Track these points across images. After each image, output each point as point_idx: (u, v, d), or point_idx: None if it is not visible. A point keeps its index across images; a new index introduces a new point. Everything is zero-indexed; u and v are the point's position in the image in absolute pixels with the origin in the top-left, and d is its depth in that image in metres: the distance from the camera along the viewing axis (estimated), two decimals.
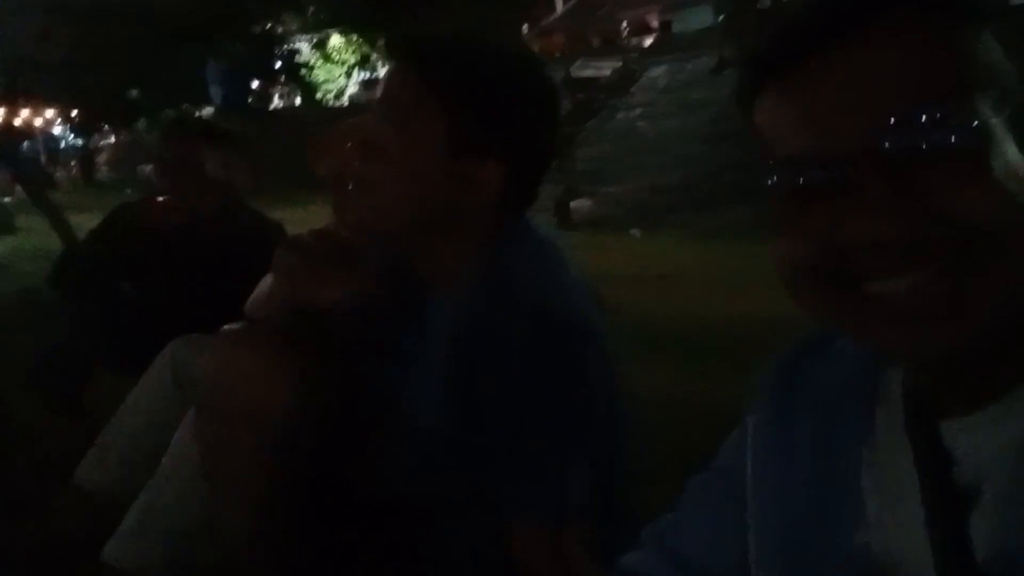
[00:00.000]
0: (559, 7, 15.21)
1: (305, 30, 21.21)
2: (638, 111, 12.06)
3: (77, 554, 1.77)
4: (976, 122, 0.57)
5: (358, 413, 1.34)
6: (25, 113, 20.54)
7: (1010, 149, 0.58)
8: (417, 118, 1.20)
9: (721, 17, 14.41)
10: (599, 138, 11.52)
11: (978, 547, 0.61)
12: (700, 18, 15.86)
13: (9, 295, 4.79)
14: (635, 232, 8.85)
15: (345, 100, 21.69)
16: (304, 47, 21.57)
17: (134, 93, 18.67)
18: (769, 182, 0.63)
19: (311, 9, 20.62)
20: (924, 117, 0.57)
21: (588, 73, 13.53)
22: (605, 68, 13.37)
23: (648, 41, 16.41)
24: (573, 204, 9.76)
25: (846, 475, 0.71)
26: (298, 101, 22.13)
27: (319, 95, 21.75)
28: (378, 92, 1.26)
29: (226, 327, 1.55)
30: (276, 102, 22.99)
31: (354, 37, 21.45)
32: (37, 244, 5.72)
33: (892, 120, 0.57)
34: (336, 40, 21.58)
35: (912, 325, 0.59)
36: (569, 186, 9.80)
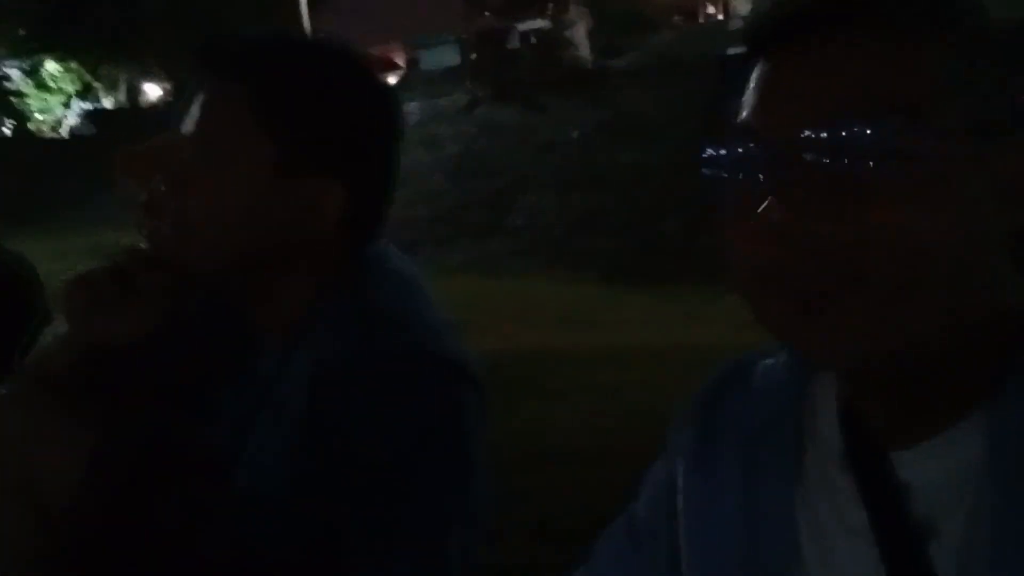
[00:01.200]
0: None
1: (15, 55, 19.65)
2: None
3: None
4: (905, 139, 0.56)
5: (164, 477, 1.16)
6: None
7: (946, 170, 0.57)
8: (234, 137, 1.05)
9: (473, 56, 14.92)
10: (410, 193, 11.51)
11: None
12: (447, 57, 16.38)
13: None
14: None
15: (64, 131, 20.29)
16: (14, 73, 19.92)
17: None
18: (718, 156, 0.64)
19: (19, 31, 19.12)
20: (852, 127, 0.57)
21: None
22: None
23: (393, 78, 16.66)
24: None
25: (778, 515, 0.69)
26: (7, 131, 20.28)
27: (32, 125, 20.14)
28: (188, 110, 1.09)
29: (10, 381, 1.35)
30: None
31: (72, 64, 20.15)
32: None
33: (823, 122, 0.57)
34: (52, 67, 20.15)
35: (815, 328, 0.59)
36: None
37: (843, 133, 0.58)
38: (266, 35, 1.13)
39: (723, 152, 0.63)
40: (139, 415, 1.18)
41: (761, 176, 0.60)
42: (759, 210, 0.59)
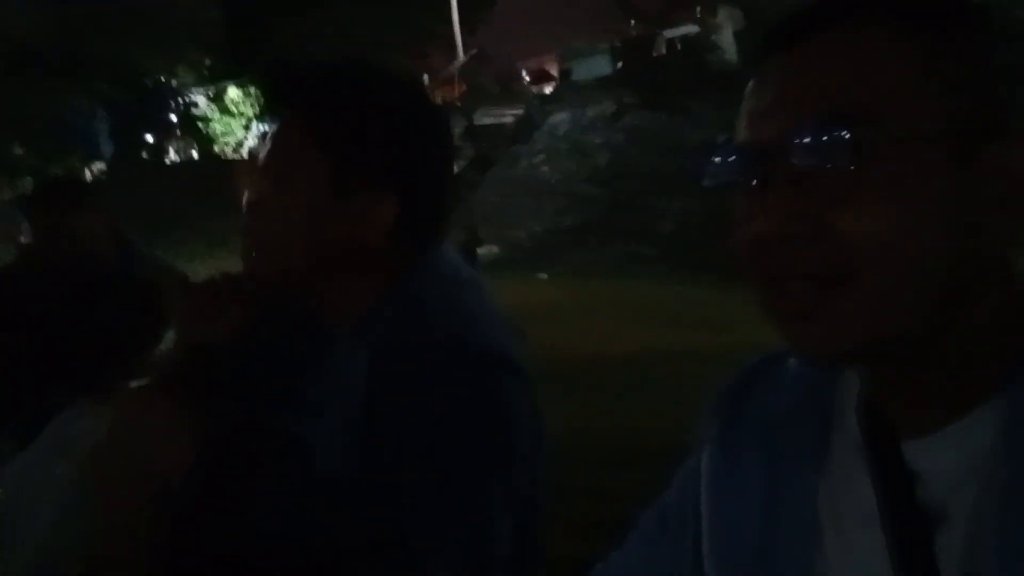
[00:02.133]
0: (460, 56, 15.41)
1: (201, 83, 20.99)
2: (540, 157, 12.25)
3: None
4: (887, 139, 0.58)
5: (260, 462, 1.29)
6: None
7: (927, 168, 0.58)
8: (295, 162, 1.16)
9: (620, 65, 14.82)
10: (502, 185, 11.64)
11: (946, 571, 0.60)
12: (598, 66, 16.29)
13: None
14: (542, 275, 8.92)
15: (245, 153, 21.51)
16: (201, 99, 21.33)
17: (17, 150, 18.05)
18: (721, 166, 0.65)
19: (207, 62, 20.44)
20: (835, 128, 0.58)
21: (490, 121, 13.70)
22: (507, 116, 13.56)
23: (548, 89, 16.73)
24: (480, 250, 9.81)
25: (801, 503, 0.70)
26: (195, 154, 21.75)
27: (216, 148, 21.49)
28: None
29: (128, 384, 1.51)
30: (172, 155, 22.56)
31: (251, 90, 21.31)
32: None
33: (806, 124, 0.59)
34: (234, 92, 21.42)
35: (800, 324, 0.61)
36: (473, 232, 9.86)
37: (821, 139, 0.59)
38: (324, 66, 1.21)
39: (718, 163, 0.65)
40: (238, 406, 1.33)
41: (751, 184, 0.62)
42: (754, 219, 0.61)
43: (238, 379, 1.33)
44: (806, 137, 0.59)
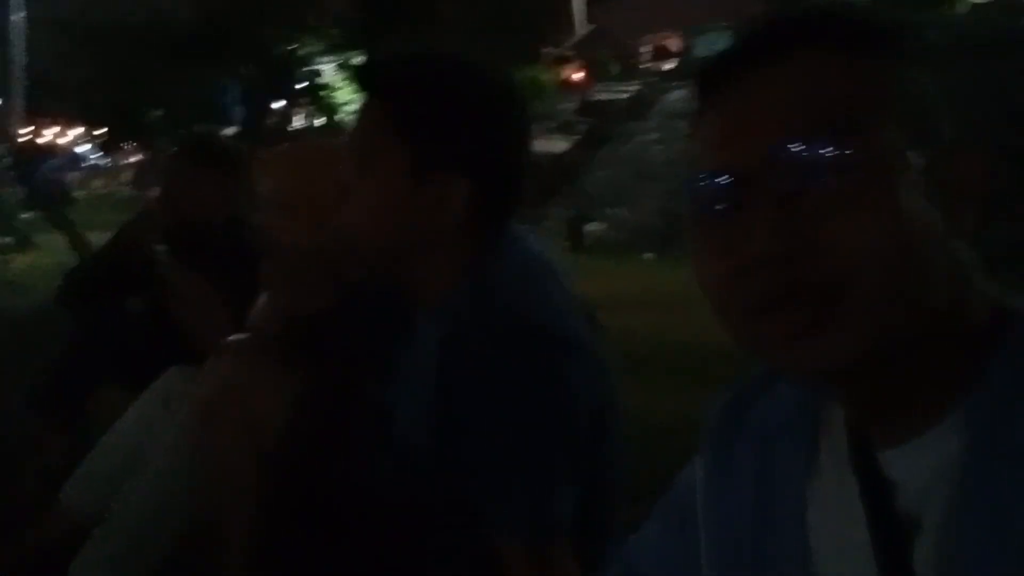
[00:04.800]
0: (577, 31, 15.28)
1: (326, 52, 21.42)
2: (654, 136, 12.07)
3: (58, 571, 1.79)
4: (866, 155, 0.59)
5: (349, 423, 1.35)
6: (49, 132, 20.87)
7: (909, 189, 0.59)
8: (377, 145, 1.20)
9: None
10: (613, 163, 11.55)
11: (922, 574, 0.62)
12: (720, 43, 15.80)
13: (24, 312, 4.82)
14: (649, 255, 8.84)
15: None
16: (325, 68, 21.76)
17: (154, 113, 18.90)
18: (687, 200, 0.65)
19: (333, 32, 20.87)
20: (815, 146, 0.59)
21: (605, 97, 13.57)
22: (624, 93, 13.42)
23: (668, 66, 16.43)
24: (587, 228, 9.77)
25: (792, 512, 0.71)
26: (318, 122, 22.25)
27: (339, 116, 21.89)
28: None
29: (229, 339, 1.58)
30: (296, 123, 23.17)
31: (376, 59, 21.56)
32: (55, 261, 5.79)
33: (786, 144, 0.59)
34: (358, 62, 21.69)
35: (792, 345, 0.61)
36: (582, 210, 9.81)
37: (807, 156, 0.59)
38: (404, 55, 1.28)
39: (695, 193, 0.64)
40: (331, 370, 1.42)
41: (735, 211, 0.62)
42: (736, 245, 0.61)
43: (330, 347, 1.43)
44: (791, 155, 0.59)
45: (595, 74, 14.74)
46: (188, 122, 18.19)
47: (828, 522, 0.69)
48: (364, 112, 1.24)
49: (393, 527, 1.21)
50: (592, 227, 9.77)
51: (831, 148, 0.59)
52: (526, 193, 1.27)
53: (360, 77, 1.28)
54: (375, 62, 1.36)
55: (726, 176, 0.62)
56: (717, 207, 0.63)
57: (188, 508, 1.76)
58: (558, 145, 12.16)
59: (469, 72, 1.25)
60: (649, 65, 16.49)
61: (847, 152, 0.58)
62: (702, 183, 0.64)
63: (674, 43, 18.94)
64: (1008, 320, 0.63)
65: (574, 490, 1.15)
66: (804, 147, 0.59)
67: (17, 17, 17.53)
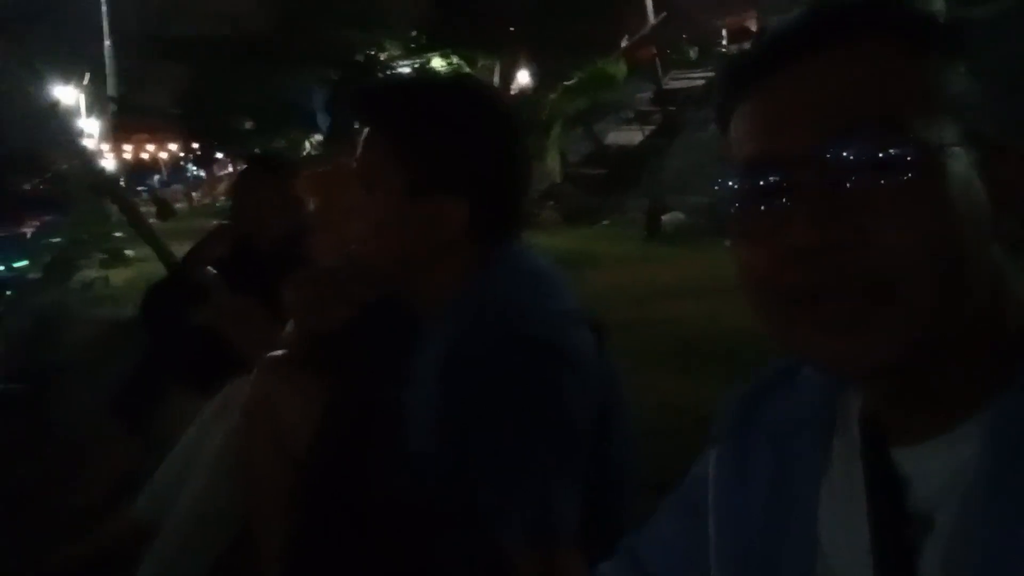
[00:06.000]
0: (651, 18, 15.07)
1: (407, 56, 21.61)
2: None
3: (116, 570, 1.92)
4: (920, 149, 0.58)
5: (370, 431, 1.41)
6: (148, 148, 21.71)
7: (959, 187, 0.58)
8: (377, 168, 1.26)
9: None
10: (690, 150, 11.40)
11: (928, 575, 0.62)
12: None
13: (120, 324, 5.11)
14: (728, 243, 8.68)
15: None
16: (406, 71, 21.93)
17: (247, 124, 19.42)
18: (729, 191, 0.64)
19: (413, 34, 21.05)
20: (867, 135, 0.58)
21: (680, 84, 13.37)
22: (697, 79, 13.22)
23: (746, 46, 15.99)
24: (665, 217, 9.69)
25: (804, 506, 0.71)
26: None
27: None
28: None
29: (268, 354, 1.69)
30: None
31: (454, 60, 21.74)
32: (152, 274, 6.05)
33: (837, 133, 0.59)
34: (437, 63, 21.87)
35: (837, 339, 0.60)
36: (658, 198, 9.73)
37: (857, 149, 0.58)
38: (402, 81, 1.36)
39: (738, 184, 0.63)
40: (352, 381, 1.51)
41: (783, 201, 0.60)
42: (783, 235, 0.60)
43: (351, 360, 1.51)
44: (846, 145, 0.58)
45: (669, 61, 14.50)
46: (277, 130, 18.70)
47: (837, 517, 0.69)
48: (366, 136, 1.30)
49: (406, 531, 1.26)
50: (669, 216, 9.69)
51: (883, 141, 0.57)
52: (523, 208, 1.33)
53: (356, 104, 1.34)
54: (371, 89, 1.42)
55: (774, 165, 0.61)
56: (763, 196, 0.62)
57: (235, 515, 1.85)
58: (633, 136, 12.07)
59: (462, 96, 1.31)
60: (725, 48, 16.09)
61: (899, 145, 0.57)
62: (748, 172, 0.63)
63: (752, 23, 18.50)
64: None
65: (576, 495, 1.19)
66: (856, 138, 0.58)
67: (108, 41, 18.40)
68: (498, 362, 1.16)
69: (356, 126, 1.35)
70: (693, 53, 16.15)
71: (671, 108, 12.42)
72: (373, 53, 20.69)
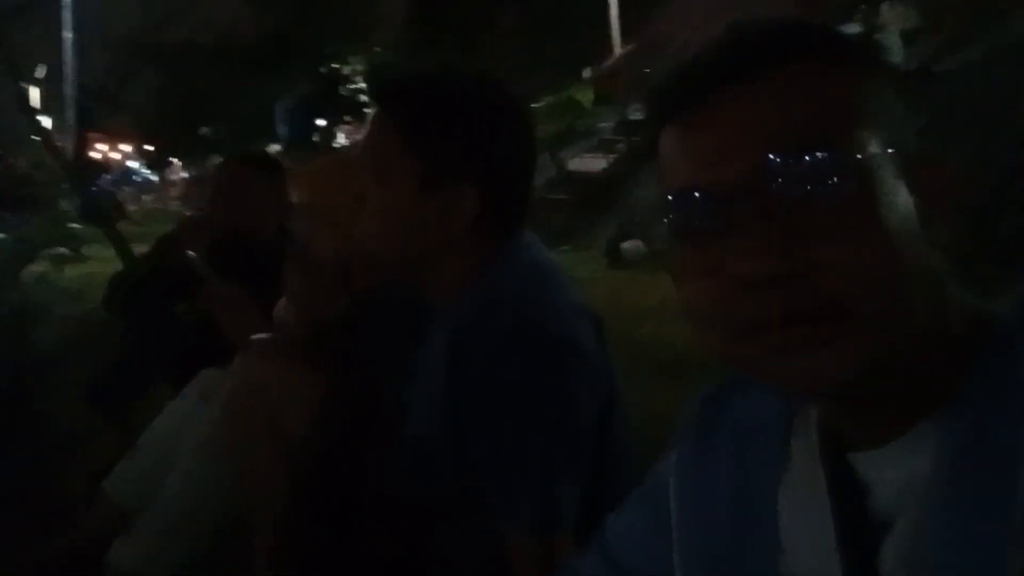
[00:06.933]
0: (616, 49, 15.30)
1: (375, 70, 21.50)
2: None
3: (101, 560, 1.89)
4: (853, 166, 0.58)
5: (370, 421, 1.41)
6: (101, 147, 21.34)
7: (895, 200, 0.59)
8: (388, 158, 1.26)
9: None
10: (652, 179, 11.51)
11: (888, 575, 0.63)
12: None
13: (77, 317, 5.01)
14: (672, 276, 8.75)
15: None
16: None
17: (205, 130, 19.22)
18: (666, 219, 0.63)
19: (376, 50, 21.05)
20: (805, 159, 0.58)
21: (643, 115, 13.50)
22: None
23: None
24: (625, 245, 9.75)
25: (765, 509, 0.72)
26: (360, 138, 22.28)
27: None
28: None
29: (254, 337, 1.67)
30: (341, 139, 23.36)
31: None
32: (107, 271, 5.94)
33: (770, 159, 0.58)
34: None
35: (790, 364, 0.60)
36: (621, 227, 9.80)
37: (793, 173, 0.58)
38: (416, 73, 1.34)
39: (679, 208, 0.62)
40: (352, 371, 1.48)
41: (721, 231, 0.60)
42: (725, 266, 0.59)
43: (352, 349, 1.50)
44: (782, 169, 0.58)
45: (633, 92, 14.71)
46: (238, 139, 18.53)
47: (799, 522, 0.70)
48: (378, 126, 1.30)
49: (406, 521, 1.26)
50: (629, 244, 9.76)
51: (816, 159, 0.57)
52: (532, 202, 1.33)
53: (374, 93, 1.36)
54: (388, 78, 1.40)
55: (713, 192, 0.60)
56: (703, 225, 0.61)
57: (220, 505, 1.83)
58: (597, 164, 12.18)
59: (475, 87, 1.30)
60: None
61: (834, 164, 0.58)
62: (682, 201, 0.62)
63: None
64: (983, 328, 0.62)
65: (578, 487, 1.20)
66: (795, 160, 0.58)
67: (68, 34, 18.11)
68: (510, 353, 1.17)
69: (315, 138, 1.33)
70: None
71: (635, 138, 12.55)
72: (337, 67, 20.66)
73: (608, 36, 15.19)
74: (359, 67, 21.13)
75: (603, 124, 13.55)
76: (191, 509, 1.90)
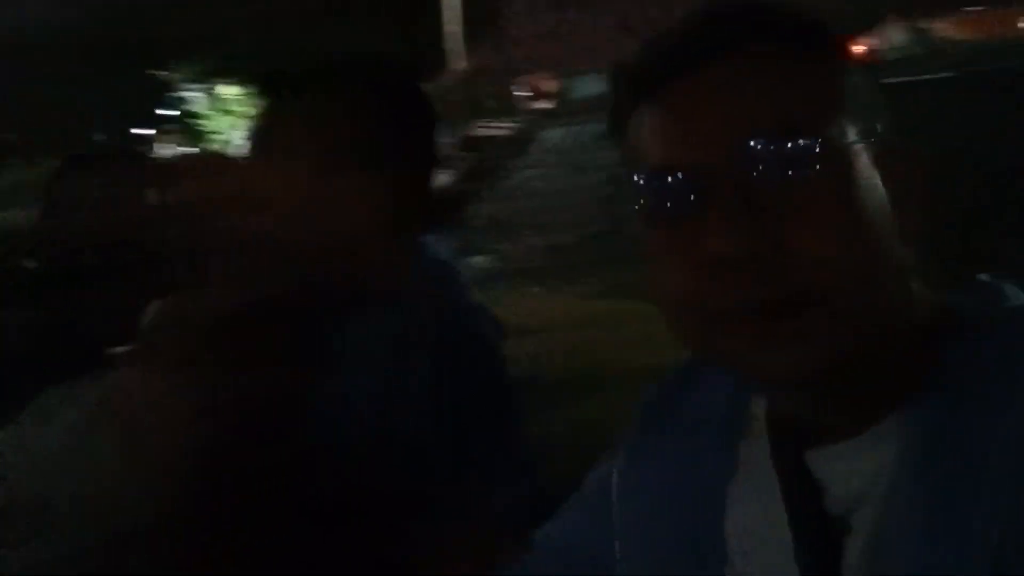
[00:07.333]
0: (454, 68, 15.56)
1: (195, 79, 20.97)
2: (534, 171, 12.33)
3: None
4: (827, 149, 0.58)
5: (274, 422, 1.29)
6: None
7: (868, 189, 0.59)
8: (287, 146, 1.24)
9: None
10: (495, 197, 11.71)
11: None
12: (594, 86, 16.39)
13: None
14: (537, 290, 8.97)
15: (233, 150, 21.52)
16: (195, 96, 21.29)
17: (8, 137, 18.04)
18: (638, 204, 0.63)
19: (198, 57, 20.49)
20: (780, 140, 0.58)
21: (484, 133, 13.86)
22: (503, 129, 13.74)
23: (546, 105, 16.83)
24: (472, 261, 9.80)
25: (711, 510, 0.71)
26: (183, 150, 21.65)
27: (201, 145, 21.43)
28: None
29: (115, 350, 1.49)
30: (158, 149, 22.52)
31: (246, 89, 21.33)
32: None
33: (749, 140, 0.58)
34: (232, 91, 21.41)
35: (763, 352, 0.60)
36: (465, 243, 9.81)
37: (766, 153, 0.58)
38: (315, 60, 1.33)
39: (650, 190, 0.63)
40: (242, 374, 1.30)
41: (695, 210, 0.60)
42: (698, 246, 0.59)
43: (248, 347, 1.32)
44: (755, 150, 0.58)
45: (474, 111, 15.07)
46: (47, 148, 17.43)
47: (749, 522, 0.68)
48: (274, 115, 1.27)
49: (342, 516, 1.19)
50: (474, 260, 9.82)
51: (794, 143, 0.58)
52: (440, 192, 1.34)
53: (267, 80, 1.32)
54: (282, 67, 1.39)
55: (685, 173, 0.60)
56: (674, 208, 0.61)
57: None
58: (440, 180, 12.19)
59: (383, 77, 1.31)
60: (527, 104, 16.97)
61: (808, 146, 0.58)
62: (656, 182, 0.62)
63: (549, 84, 19.54)
64: (947, 324, 0.63)
65: (516, 479, 1.18)
66: (768, 141, 0.58)
67: None
68: (427, 348, 1.19)
69: (130, 147, 1.39)
70: (494, 105, 16.72)
71: (475, 155, 12.76)
72: (158, 74, 20.00)
73: (441, 52, 15.37)
74: (182, 75, 20.52)
75: (445, 141, 13.64)
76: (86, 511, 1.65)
